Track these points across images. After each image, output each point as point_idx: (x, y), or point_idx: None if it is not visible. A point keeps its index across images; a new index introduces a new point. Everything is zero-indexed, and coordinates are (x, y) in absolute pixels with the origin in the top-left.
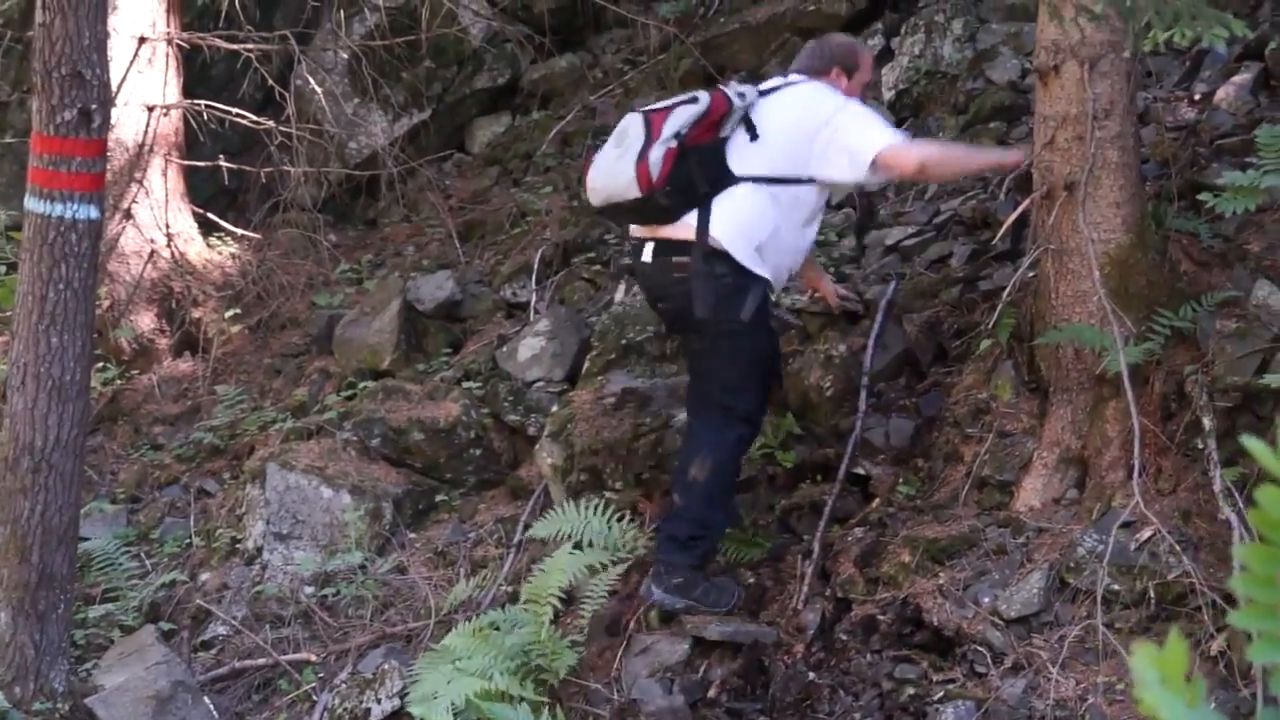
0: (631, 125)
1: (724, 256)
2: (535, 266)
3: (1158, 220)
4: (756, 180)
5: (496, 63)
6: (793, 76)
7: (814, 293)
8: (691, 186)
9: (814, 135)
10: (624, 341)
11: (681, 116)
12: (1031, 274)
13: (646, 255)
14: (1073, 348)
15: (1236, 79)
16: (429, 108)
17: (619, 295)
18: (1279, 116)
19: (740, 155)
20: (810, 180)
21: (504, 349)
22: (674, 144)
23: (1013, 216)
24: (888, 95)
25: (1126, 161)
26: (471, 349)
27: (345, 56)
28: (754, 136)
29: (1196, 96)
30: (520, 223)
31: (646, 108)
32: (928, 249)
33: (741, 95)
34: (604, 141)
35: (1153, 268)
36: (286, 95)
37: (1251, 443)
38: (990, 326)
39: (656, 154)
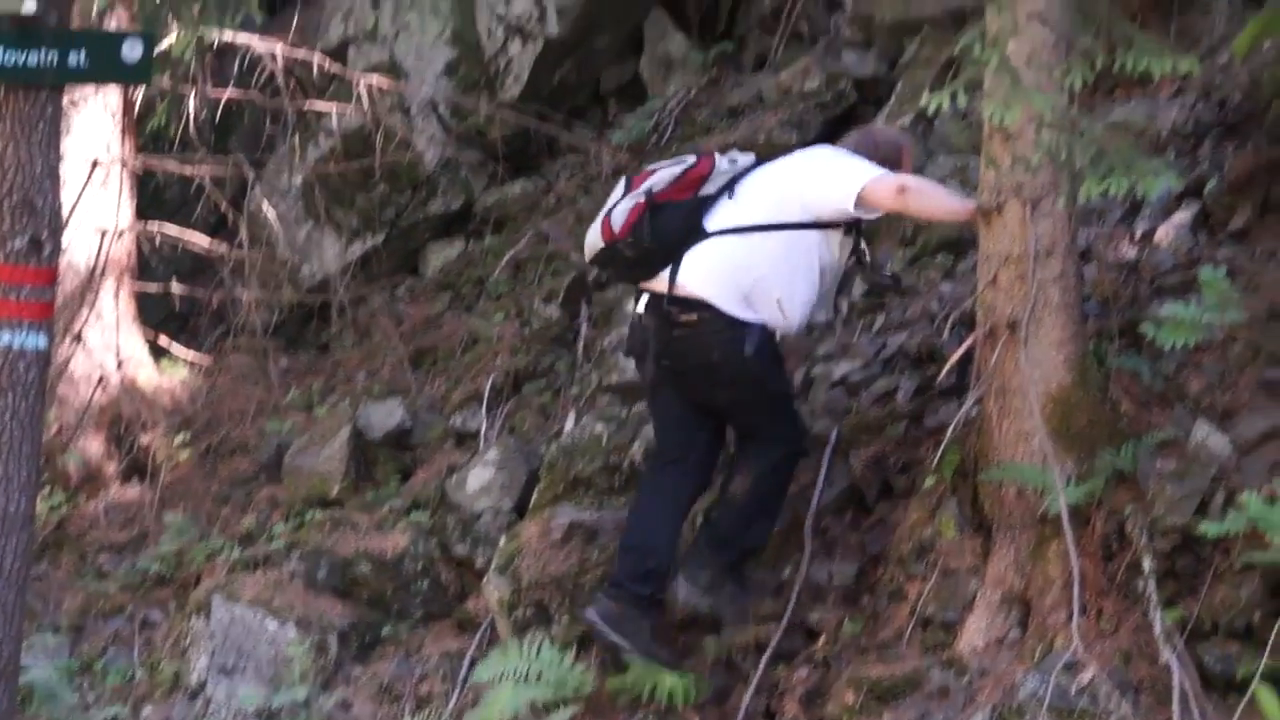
0: (618, 183)
1: (707, 306)
2: (486, 394)
3: (1099, 359)
4: (732, 232)
5: (450, 188)
6: None
7: None
8: (661, 240)
9: (806, 179)
10: (573, 474)
11: (660, 175)
12: (975, 411)
13: (639, 307)
14: (1015, 487)
15: (1176, 218)
16: (382, 232)
17: (569, 425)
18: (1218, 256)
19: (720, 214)
20: (801, 225)
21: (453, 479)
22: (642, 199)
23: (957, 354)
24: None
25: (1068, 301)
26: (421, 478)
27: (300, 181)
28: (737, 195)
29: (1137, 235)
30: (472, 349)
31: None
32: (874, 384)
33: (733, 161)
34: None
35: (1094, 407)
36: (240, 219)
37: (1264, 693)
38: (935, 463)
39: (624, 206)
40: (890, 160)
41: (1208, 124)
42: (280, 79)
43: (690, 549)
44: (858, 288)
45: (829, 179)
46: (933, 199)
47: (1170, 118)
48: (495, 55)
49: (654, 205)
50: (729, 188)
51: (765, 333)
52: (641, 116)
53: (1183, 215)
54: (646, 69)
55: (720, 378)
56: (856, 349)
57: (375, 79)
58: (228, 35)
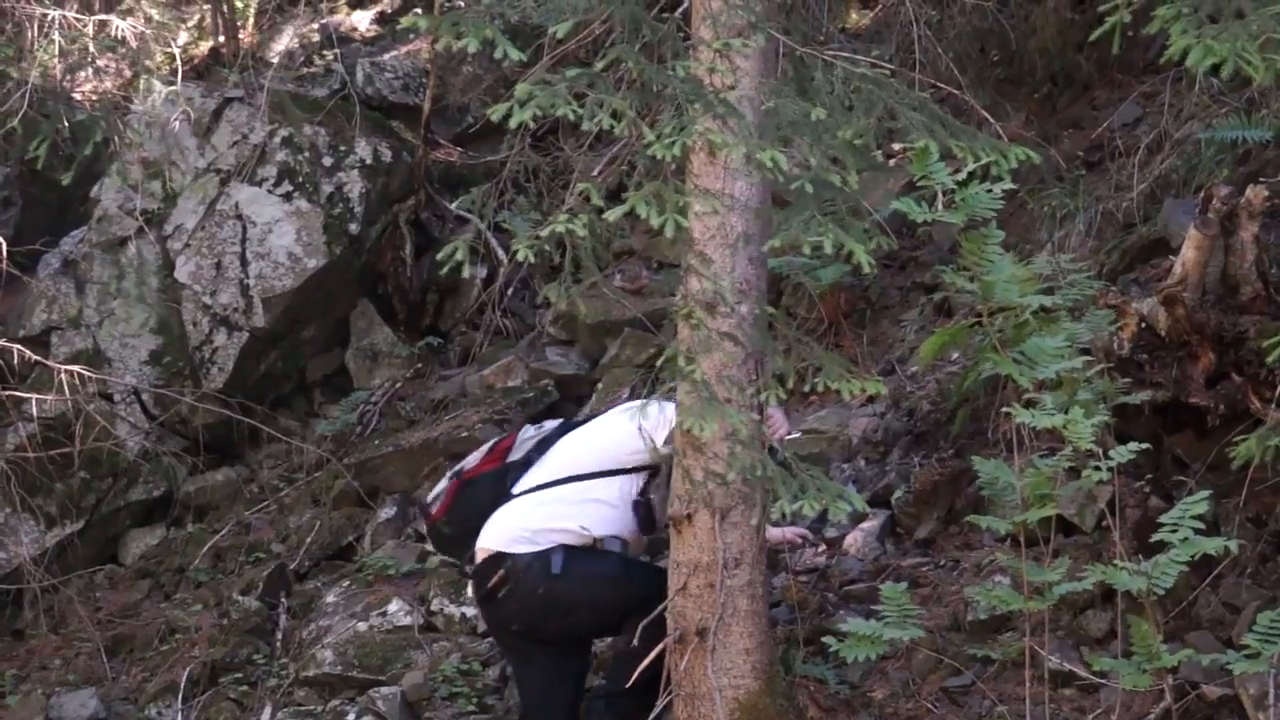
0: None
1: (504, 556)
2: (182, 686)
3: (786, 666)
4: (533, 490)
5: (152, 475)
6: None
7: None
8: (472, 513)
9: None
10: None
11: (471, 456)
12: (667, 716)
13: (470, 589)
14: None
15: (865, 525)
16: (82, 519)
17: (265, 718)
18: (904, 564)
19: (526, 477)
20: (600, 474)
21: None
22: (454, 480)
23: (647, 659)
24: None
25: (756, 609)
26: None
27: None
28: (544, 458)
29: (826, 542)
30: (170, 639)
31: None
32: None
33: (539, 427)
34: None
35: (781, 714)
36: None
37: None
38: None
39: (438, 489)
40: None
41: (897, 432)
42: None
43: None
44: None
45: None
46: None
47: (861, 425)
48: (200, 344)
49: (465, 482)
50: (537, 451)
51: (567, 548)
52: (346, 408)
53: (871, 523)
54: (352, 360)
55: (558, 610)
56: None
57: (77, 367)
58: None
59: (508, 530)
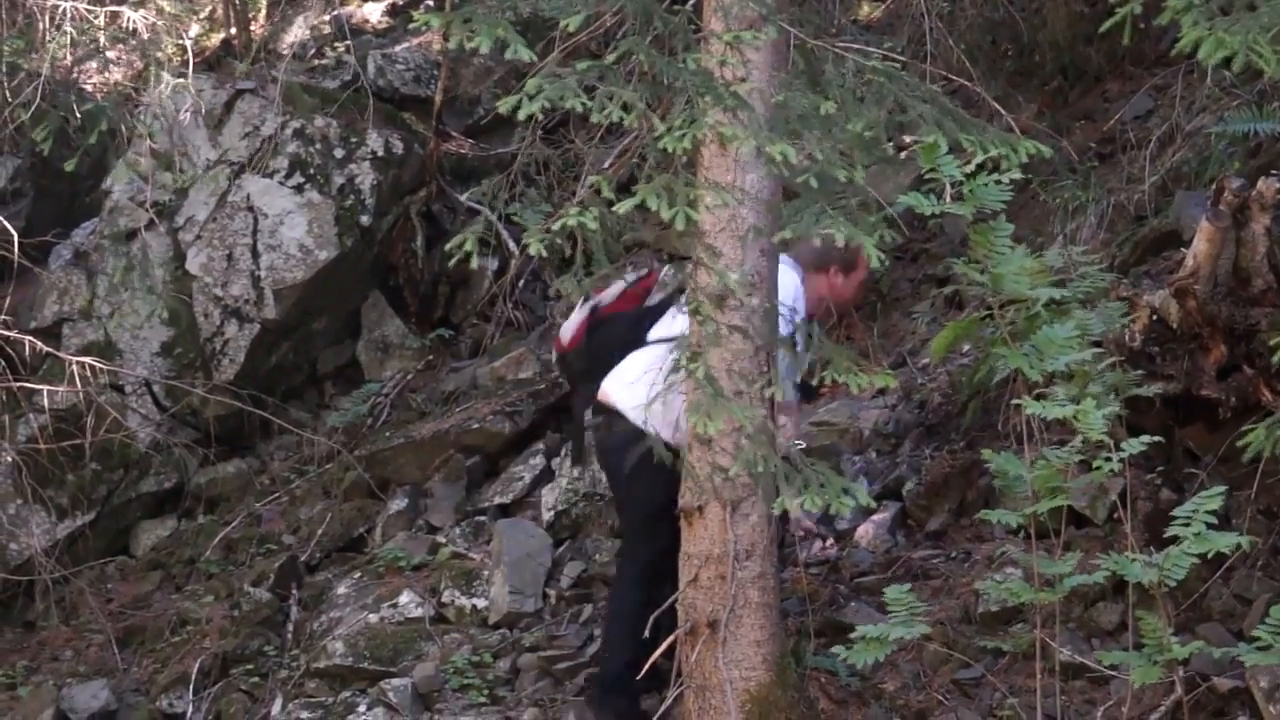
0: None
1: (615, 413)
2: (193, 677)
3: (797, 658)
4: (665, 341)
5: (163, 467)
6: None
7: None
8: (602, 351)
9: None
10: None
11: (608, 289)
12: (677, 708)
13: (588, 417)
14: None
15: (876, 517)
16: (93, 510)
17: (275, 710)
18: (915, 556)
19: (662, 324)
20: None
21: None
22: (587, 312)
23: (658, 651)
24: (547, 515)
25: (767, 601)
26: None
27: (9, 459)
28: (681, 303)
29: (838, 533)
30: (181, 631)
31: None
32: (579, 675)
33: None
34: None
35: (792, 705)
36: None
37: None
38: None
39: (575, 319)
40: (849, 263)
41: (908, 424)
42: None
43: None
44: (565, 579)
45: None
46: None
47: (872, 418)
48: (211, 336)
49: (600, 318)
50: (676, 296)
51: (652, 449)
52: (357, 399)
53: (882, 515)
54: (364, 352)
55: (610, 478)
56: (564, 640)
57: (88, 359)
58: None
59: (632, 383)
